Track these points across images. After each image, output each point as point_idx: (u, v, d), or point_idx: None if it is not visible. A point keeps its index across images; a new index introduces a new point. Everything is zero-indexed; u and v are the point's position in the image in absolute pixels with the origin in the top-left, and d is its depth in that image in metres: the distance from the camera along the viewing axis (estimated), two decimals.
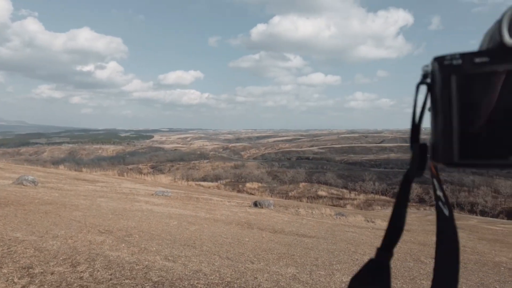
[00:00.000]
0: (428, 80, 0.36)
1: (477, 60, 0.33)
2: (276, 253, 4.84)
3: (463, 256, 5.75)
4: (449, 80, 0.33)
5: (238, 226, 6.83)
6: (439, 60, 0.34)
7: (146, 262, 3.75)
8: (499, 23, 0.33)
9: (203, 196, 13.83)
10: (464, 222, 14.10)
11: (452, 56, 0.34)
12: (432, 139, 0.36)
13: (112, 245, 4.32)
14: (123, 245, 4.38)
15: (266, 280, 3.60)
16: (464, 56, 0.33)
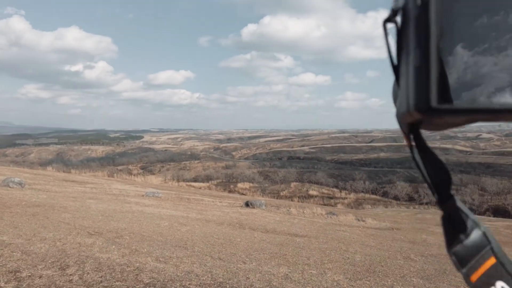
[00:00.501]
0: (399, 18, 0.31)
1: None
2: (268, 253, 4.85)
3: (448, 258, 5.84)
4: (427, 2, 0.28)
5: (230, 227, 6.82)
6: None
7: (137, 264, 3.72)
8: None
9: (194, 196, 13.78)
10: None
11: None
12: (400, 90, 0.31)
13: (102, 247, 4.27)
14: (114, 246, 4.33)
15: (258, 280, 3.60)
16: None
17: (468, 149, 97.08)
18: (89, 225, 5.46)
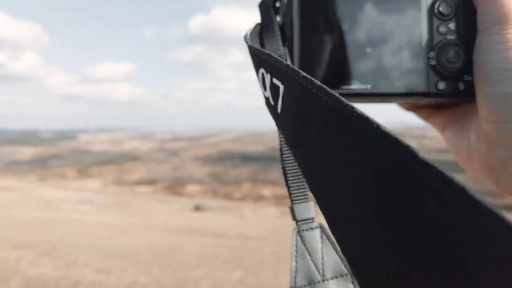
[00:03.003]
0: (278, 3, 0.35)
1: None
2: (220, 258, 4.80)
3: None
4: (291, 2, 0.33)
5: (178, 233, 6.69)
6: None
7: (75, 277, 3.53)
8: None
9: (138, 201, 13.22)
10: None
11: None
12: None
13: (32, 261, 3.94)
14: (47, 259, 4.02)
15: (211, 286, 3.57)
16: None
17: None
18: (15, 237, 5.06)
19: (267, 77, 0.28)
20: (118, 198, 13.60)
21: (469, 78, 0.32)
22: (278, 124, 0.28)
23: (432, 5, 0.33)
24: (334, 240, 0.32)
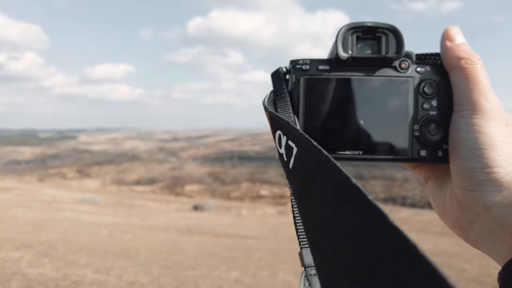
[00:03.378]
0: (288, 76, 0.42)
1: (320, 67, 0.40)
2: (218, 257, 4.81)
3: None
4: (299, 80, 0.40)
5: (177, 232, 6.68)
6: (293, 63, 0.41)
7: (75, 277, 3.50)
8: (335, 38, 0.39)
9: (137, 201, 13.20)
10: (397, 215, 15.50)
11: (304, 61, 0.41)
12: None
13: (32, 261, 3.92)
14: (46, 260, 3.99)
15: (209, 286, 3.57)
16: (312, 62, 0.41)
17: None
18: (15, 237, 5.02)
19: (284, 139, 0.34)
20: (117, 198, 13.57)
21: (447, 147, 0.38)
22: (288, 177, 0.33)
23: (418, 85, 0.39)
24: None
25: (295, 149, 0.32)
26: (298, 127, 0.39)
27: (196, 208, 10.84)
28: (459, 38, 0.37)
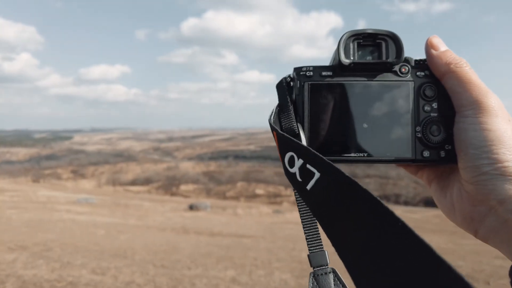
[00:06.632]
0: (292, 84, 0.44)
1: (324, 73, 0.42)
2: (214, 256, 4.79)
3: None
4: (303, 86, 0.42)
5: (173, 232, 6.65)
6: (297, 70, 0.43)
7: (70, 278, 3.47)
8: (337, 45, 0.40)
9: (133, 201, 13.13)
10: None
11: (307, 68, 0.42)
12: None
13: (27, 262, 3.88)
14: (41, 261, 3.95)
15: (205, 285, 3.56)
16: (315, 68, 0.42)
17: None
18: (10, 238, 4.95)
19: (298, 161, 0.35)
20: (113, 198, 13.48)
21: (449, 147, 0.40)
22: (303, 196, 0.35)
23: (419, 88, 0.41)
24: (345, 283, 0.40)
25: (317, 174, 0.33)
26: (302, 135, 0.41)
27: (191, 207, 10.83)
28: (443, 46, 0.39)
